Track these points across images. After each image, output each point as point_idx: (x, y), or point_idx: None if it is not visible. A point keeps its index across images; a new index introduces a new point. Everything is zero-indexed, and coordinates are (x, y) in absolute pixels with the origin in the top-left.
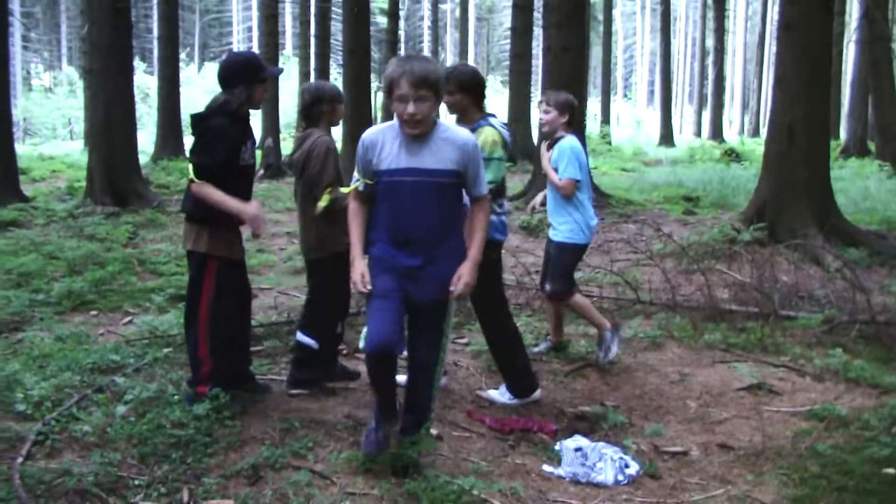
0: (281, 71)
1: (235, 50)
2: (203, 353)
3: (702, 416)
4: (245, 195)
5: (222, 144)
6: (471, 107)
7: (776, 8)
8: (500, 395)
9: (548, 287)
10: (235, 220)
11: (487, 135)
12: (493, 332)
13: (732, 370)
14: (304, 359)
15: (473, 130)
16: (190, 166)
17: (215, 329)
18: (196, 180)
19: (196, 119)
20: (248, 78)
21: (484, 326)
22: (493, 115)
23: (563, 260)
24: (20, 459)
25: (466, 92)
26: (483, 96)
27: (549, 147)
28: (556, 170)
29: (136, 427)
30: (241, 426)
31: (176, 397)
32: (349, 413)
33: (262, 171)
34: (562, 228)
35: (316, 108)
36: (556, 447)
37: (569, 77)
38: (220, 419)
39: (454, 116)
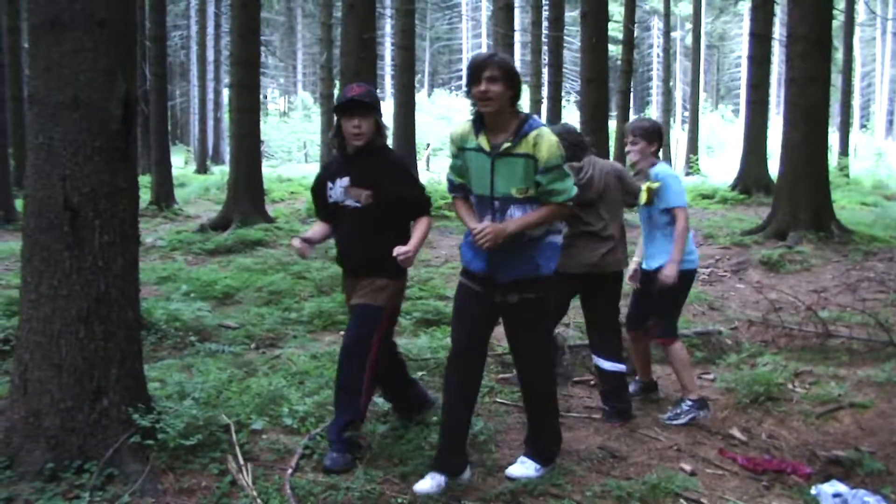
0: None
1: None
2: None
3: None
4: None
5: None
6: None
7: None
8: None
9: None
10: None
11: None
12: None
13: None
14: (619, 386)
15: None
16: None
17: None
18: None
19: None
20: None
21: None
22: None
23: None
24: (290, 471)
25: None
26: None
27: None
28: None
29: (396, 447)
30: (497, 452)
31: (435, 419)
32: (602, 444)
33: None
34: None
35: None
36: (813, 491)
37: (813, 109)
38: (475, 444)
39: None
